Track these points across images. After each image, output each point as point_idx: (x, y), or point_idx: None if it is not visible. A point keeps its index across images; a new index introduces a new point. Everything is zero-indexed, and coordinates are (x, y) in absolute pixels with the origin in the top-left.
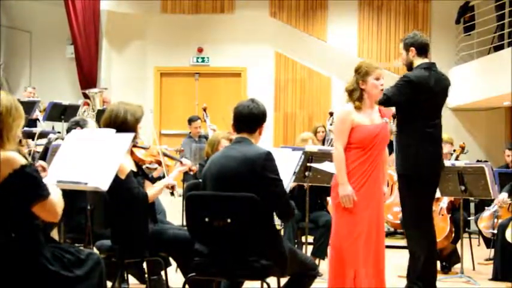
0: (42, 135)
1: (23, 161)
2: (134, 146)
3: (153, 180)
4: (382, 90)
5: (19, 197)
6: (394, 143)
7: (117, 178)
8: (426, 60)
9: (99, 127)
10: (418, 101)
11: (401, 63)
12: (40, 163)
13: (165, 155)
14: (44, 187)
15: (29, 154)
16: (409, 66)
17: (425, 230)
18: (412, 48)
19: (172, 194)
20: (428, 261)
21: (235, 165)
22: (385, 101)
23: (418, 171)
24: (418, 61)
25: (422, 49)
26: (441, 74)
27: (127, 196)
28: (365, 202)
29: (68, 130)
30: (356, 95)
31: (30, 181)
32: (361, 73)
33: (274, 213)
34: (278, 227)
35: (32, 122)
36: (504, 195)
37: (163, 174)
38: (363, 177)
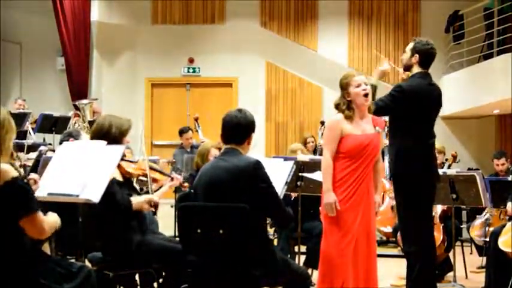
0: (33, 147)
1: (15, 174)
2: (121, 159)
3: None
4: (365, 95)
5: (9, 209)
6: (388, 150)
7: None
8: (423, 71)
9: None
10: (411, 109)
11: (402, 60)
12: (32, 176)
13: (154, 169)
14: (34, 201)
15: (21, 167)
16: (407, 68)
17: (422, 235)
18: (416, 56)
19: (154, 213)
20: (424, 269)
21: (225, 176)
22: (379, 110)
23: (414, 171)
24: (416, 69)
25: (426, 61)
26: (434, 84)
27: (109, 202)
28: (354, 212)
29: (61, 142)
30: (344, 106)
31: (21, 194)
32: (343, 87)
33: (271, 222)
34: (271, 237)
35: (22, 134)
36: None
37: (158, 188)
38: (353, 187)
